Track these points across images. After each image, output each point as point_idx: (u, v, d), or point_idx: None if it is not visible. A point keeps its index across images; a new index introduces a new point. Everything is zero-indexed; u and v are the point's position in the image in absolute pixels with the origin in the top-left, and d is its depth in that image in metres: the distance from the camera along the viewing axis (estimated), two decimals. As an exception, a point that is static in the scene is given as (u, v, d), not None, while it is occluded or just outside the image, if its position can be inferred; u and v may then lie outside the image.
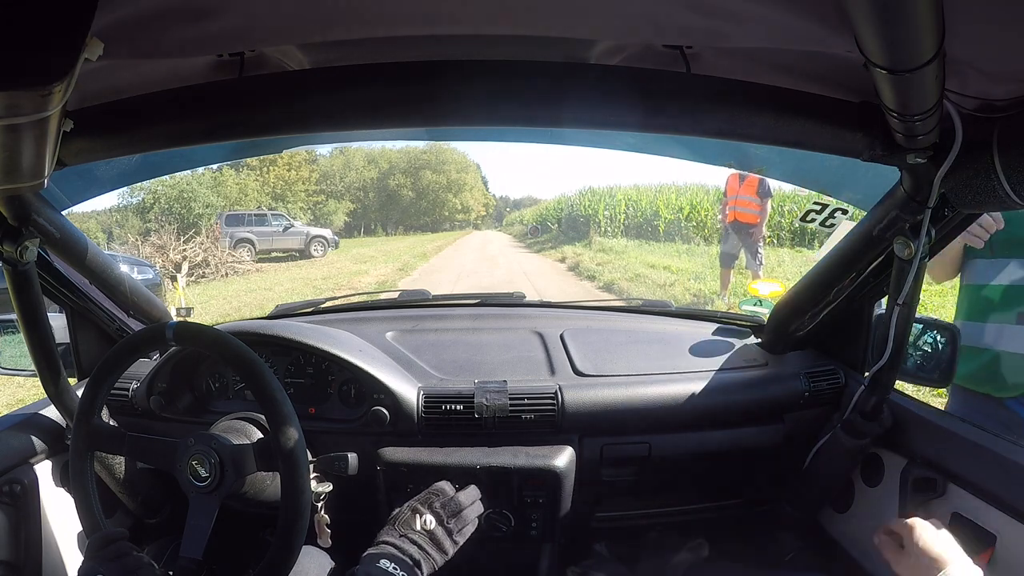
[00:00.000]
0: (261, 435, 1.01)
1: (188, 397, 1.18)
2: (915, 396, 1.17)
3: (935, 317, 1.18)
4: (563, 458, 1.09)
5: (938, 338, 1.13)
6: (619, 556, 1.33)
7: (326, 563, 1.05)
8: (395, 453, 1.10)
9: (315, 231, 15.01)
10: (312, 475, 1.04)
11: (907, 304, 0.92)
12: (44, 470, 1.10)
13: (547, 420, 1.09)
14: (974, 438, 0.95)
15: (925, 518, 0.79)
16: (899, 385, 1.24)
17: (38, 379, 1.03)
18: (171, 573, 0.86)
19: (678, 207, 14.55)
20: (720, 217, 6.42)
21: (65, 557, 1.11)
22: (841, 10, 0.48)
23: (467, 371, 1.19)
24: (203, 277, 10.76)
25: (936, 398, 2.79)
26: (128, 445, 0.96)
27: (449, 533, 0.94)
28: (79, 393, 0.99)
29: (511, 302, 1.52)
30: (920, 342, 1.14)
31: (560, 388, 1.11)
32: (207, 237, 12.07)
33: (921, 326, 1.14)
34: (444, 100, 0.71)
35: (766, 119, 0.73)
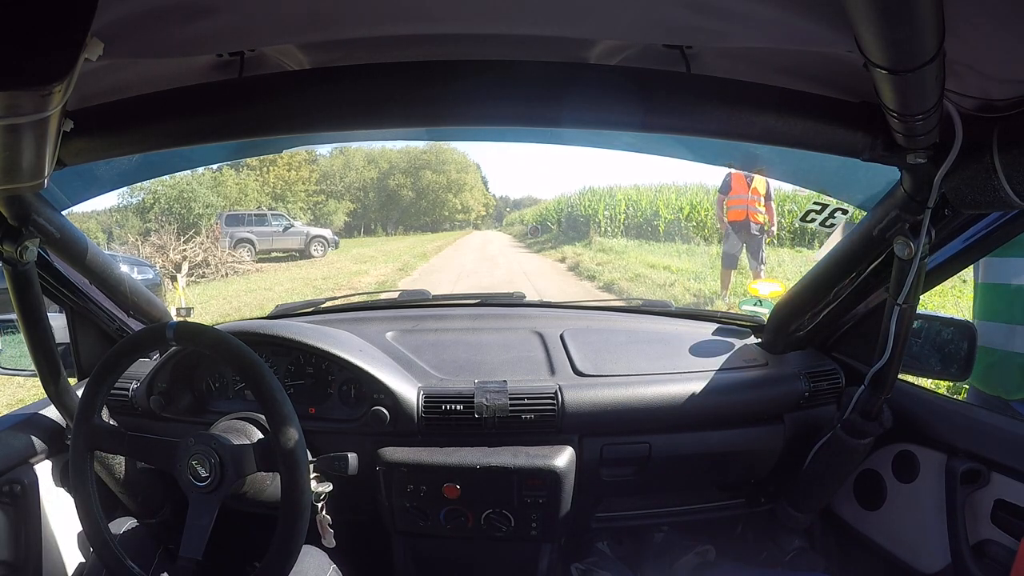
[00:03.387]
0: (261, 435, 1.01)
1: (188, 397, 1.18)
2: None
3: (952, 315, 1.19)
4: (563, 458, 1.09)
5: (956, 334, 1.13)
6: (621, 556, 1.33)
7: (325, 563, 1.05)
8: (395, 453, 1.10)
9: (315, 231, 14.99)
10: (312, 475, 1.04)
11: (907, 304, 0.92)
12: (44, 470, 1.10)
13: (547, 420, 1.09)
14: (1009, 427, 0.98)
15: (970, 507, 0.80)
16: (921, 381, 1.25)
17: (38, 379, 1.03)
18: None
19: (678, 207, 14.53)
20: (718, 215, 6.41)
21: (65, 557, 1.11)
22: (841, 10, 0.47)
23: (467, 371, 1.19)
24: (203, 277, 10.75)
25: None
26: (128, 445, 0.96)
27: None
28: (79, 393, 0.99)
29: (511, 302, 1.52)
30: (938, 338, 1.15)
31: (560, 388, 1.11)
32: (207, 237, 12.05)
33: (939, 323, 1.15)
34: (444, 100, 0.71)
35: (766, 119, 0.73)
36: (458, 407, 1.09)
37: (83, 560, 1.14)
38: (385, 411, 1.09)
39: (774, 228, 6.00)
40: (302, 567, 0.96)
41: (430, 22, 0.68)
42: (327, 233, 15.39)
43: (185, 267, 10.34)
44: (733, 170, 5.51)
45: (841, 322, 1.20)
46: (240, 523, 1.10)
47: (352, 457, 1.05)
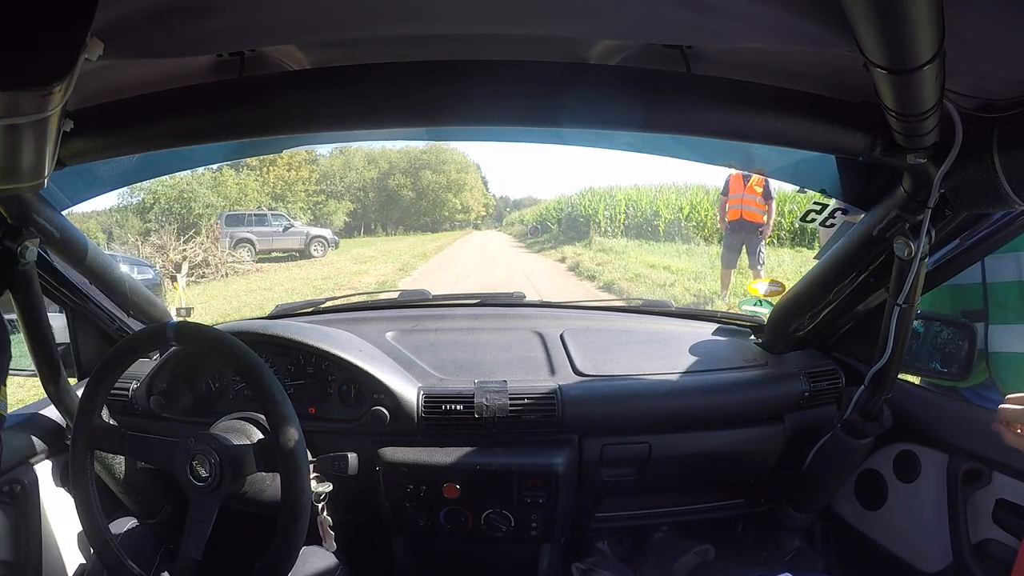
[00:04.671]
0: (261, 435, 1.01)
1: (188, 397, 1.18)
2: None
3: (952, 316, 1.19)
4: (563, 458, 1.09)
5: (955, 334, 1.13)
6: (621, 556, 1.33)
7: (334, 565, 1.05)
8: (395, 453, 1.10)
9: (315, 231, 14.95)
10: (312, 475, 1.04)
11: (907, 304, 0.92)
12: (44, 470, 1.10)
13: (547, 420, 1.09)
14: None
15: (971, 507, 0.80)
16: (924, 382, 1.25)
17: (38, 379, 1.03)
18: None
19: (678, 207, 14.51)
20: (719, 216, 6.42)
21: (65, 557, 1.11)
22: (841, 10, 0.47)
23: (467, 371, 1.19)
24: (203, 277, 10.73)
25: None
26: (128, 445, 0.96)
27: None
28: (79, 393, 0.99)
29: (511, 302, 1.52)
30: (938, 338, 1.15)
31: (560, 388, 1.11)
32: (207, 237, 12.04)
33: (939, 323, 1.15)
34: (444, 100, 0.71)
35: (766, 119, 0.73)
36: (458, 407, 1.09)
37: (83, 560, 1.14)
38: (385, 411, 1.09)
39: (769, 228, 5.98)
40: (309, 567, 0.97)
41: (430, 22, 0.68)
42: (327, 233, 15.37)
43: (185, 267, 10.33)
44: (733, 171, 5.52)
45: (841, 322, 1.20)
46: (240, 523, 1.10)
47: (352, 457, 1.05)
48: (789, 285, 1.30)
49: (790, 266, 8.18)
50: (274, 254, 14.00)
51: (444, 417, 1.09)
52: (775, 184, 5.97)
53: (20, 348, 1.18)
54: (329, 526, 1.07)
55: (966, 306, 1.22)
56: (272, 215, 14.99)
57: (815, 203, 1.01)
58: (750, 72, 0.74)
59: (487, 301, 1.53)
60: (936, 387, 1.29)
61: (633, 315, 1.49)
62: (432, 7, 0.65)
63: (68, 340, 1.21)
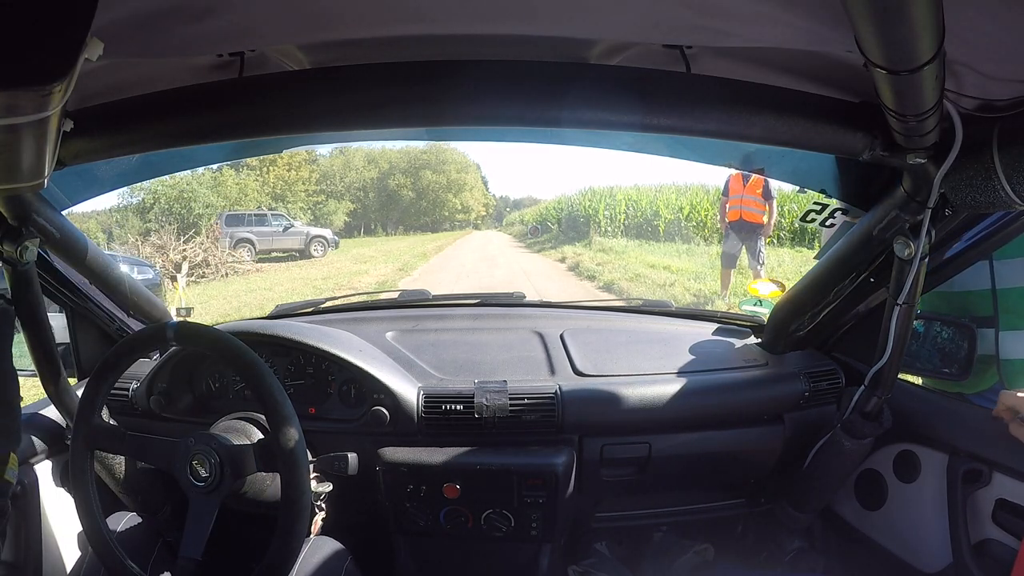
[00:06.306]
0: (261, 435, 1.01)
1: (188, 397, 1.18)
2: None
3: (953, 316, 1.19)
4: (563, 458, 1.09)
5: (955, 334, 1.13)
6: (620, 556, 1.33)
7: (335, 552, 1.05)
8: (395, 453, 1.10)
9: (315, 231, 14.96)
10: (312, 475, 1.04)
11: (907, 304, 0.92)
12: (44, 470, 1.10)
13: (547, 420, 1.09)
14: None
15: (971, 507, 0.83)
16: (925, 382, 1.25)
17: (38, 379, 1.03)
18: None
19: (678, 207, 14.52)
20: (720, 217, 6.43)
21: (65, 557, 1.11)
22: (841, 10, 0.47)
23: (467, 371, 1.19)
24: (203, 277, 10.73)
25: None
26: (128, 445, 0.96)
27: None
28: (79, 393, 0.99)
29: (511, 302, 1.52)
30: (938, 338, 1.15)
31: (560, 388, 1.11)
32: (207, 237, 12.05)
33: (939, 323, 1.15)
34: (444, 100, 0.71)
35: (766, 119, 0.73)
36: (458, 407, 1.09)
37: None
38: (385, 411, 1.09)
39: (770, 227, 5.99)
40: (318, 556, 0.97)
41: (430, 22, 0.68)
42: (327, 233, 15.37)
43: (185, 267, 10.33)
44: (733, 171, 5.52)
45: (841, 322, 1.20)
46: (240, 523, 1.10)
47: (352, 457, 1.05)
48: (789, 285, 1.30)
49: (790, 266, 8.18)
50: (274, 254, 14.00)
51: (444, 417, 1.09)
52: (775, 184, 5.98)
53: (20, 348, 1.18)
54: (322, 518, 1.07)
55: (976, 313, 1.22)
56: (272, 215, 14.99)
57: (815, 203, 1.01)
58: (750, 72, 0.75)
59: (487, 301, 1.53)
60: (938, 388, 1.29)
61: (633, 315, 1.49)
62: (432, 7, 0.65)
63: (68, 340, 1.21)
